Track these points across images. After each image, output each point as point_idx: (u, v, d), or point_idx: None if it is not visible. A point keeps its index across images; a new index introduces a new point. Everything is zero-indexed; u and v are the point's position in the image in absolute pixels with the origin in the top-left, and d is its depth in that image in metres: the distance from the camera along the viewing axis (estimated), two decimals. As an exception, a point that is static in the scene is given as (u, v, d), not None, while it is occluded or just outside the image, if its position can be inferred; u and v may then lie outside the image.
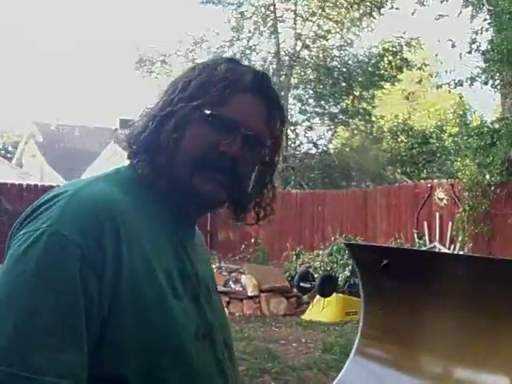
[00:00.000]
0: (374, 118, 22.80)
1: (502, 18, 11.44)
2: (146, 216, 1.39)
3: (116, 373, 1.26)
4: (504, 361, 2.74)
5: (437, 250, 13.71)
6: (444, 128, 21.64)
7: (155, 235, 1.38)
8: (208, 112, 1.41)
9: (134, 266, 1.28)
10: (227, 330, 1.62)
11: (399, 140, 22.04)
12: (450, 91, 15.48)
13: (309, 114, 22.99)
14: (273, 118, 1.49)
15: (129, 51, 25.65)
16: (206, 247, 1.78)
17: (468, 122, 16.68)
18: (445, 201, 13.91)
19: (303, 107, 22.96)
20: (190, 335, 1.37)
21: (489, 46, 12.38)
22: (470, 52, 13.25)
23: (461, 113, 27.79)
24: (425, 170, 20.67)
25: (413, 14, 15.27)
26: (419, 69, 19.78)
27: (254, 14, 21.75)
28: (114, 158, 36.24)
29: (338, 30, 22.20)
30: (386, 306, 3.04)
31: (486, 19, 14.05)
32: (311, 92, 23.04)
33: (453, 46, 13.95)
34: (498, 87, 13.46)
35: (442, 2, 14.42)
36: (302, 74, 22.64)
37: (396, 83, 23.39)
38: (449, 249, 13.47)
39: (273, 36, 21.84)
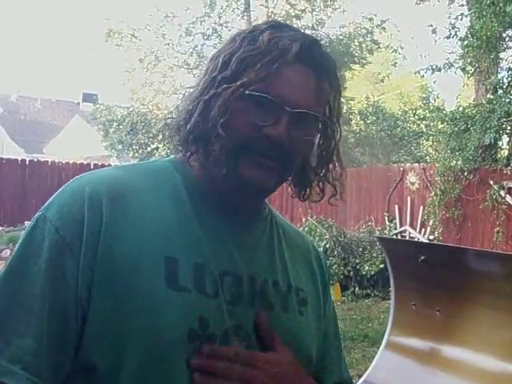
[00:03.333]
0: (343, 100, 22.81)
1: (481, 3, 11.47)
2: (166, 202, 1.34)
3: (89, 361, 1.22)
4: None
5: (407, 234, 13.88)
6: (412, 111, 21.72)
7: (169, 221, 1.31)
8: (247, 92, 1.28)
9: (115, 247, 1.24)
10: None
11: (368, 122, 22.11)
12: (422, 76, 15.53)
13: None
14: (325, 89, 1.35)
15: (97, 24, 25.15)
16: (317, 255, 1.60)
17: (437, 106, 16.71)
18: (416, 185, 14.03)
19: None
20: (179, 333, 1.23)
21: (468, 32, 12.42)
22: (448, 37, 13.30)
23: (424, 96, 28.04)
24: (394, 153, 20.78)
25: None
26: (395, 51, 19.78)
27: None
28: (78, 132, 35.92)
29: (309, 9, 22.12)
30: (418, 301, 3.03)
31: (463, 5, 14.12)
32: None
33: (433, 31, 13.99)
34: (474, 74, 13.54)
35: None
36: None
37: (366, 65, 23.46)
38: (419, 233, 13.61)
39: (245, 13, 21.68)
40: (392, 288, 3.17)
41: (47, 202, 1.30)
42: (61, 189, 1.32)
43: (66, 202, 1.27)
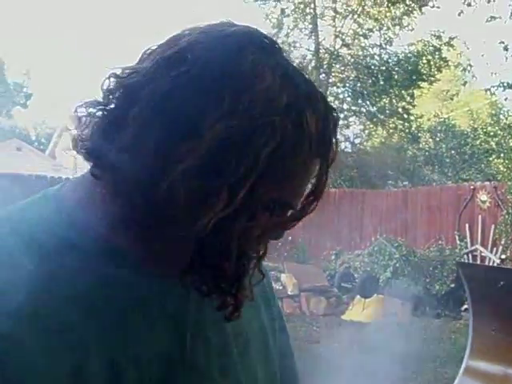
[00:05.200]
0: (412, 117, 22.67)
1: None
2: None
3: None
4: None
5: (478, 253, 13.69)
6: (482, 129, 21.46)
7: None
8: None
9: None
10: None
11: (437, 139, 21.91)
12: (493, 93, 15.36)
13: (346, 113, 22.89)
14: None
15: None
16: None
17: (508, 123, 16.50)
18: (487, 203, 13.85)
19: (340, 105, 22.90)
20: None
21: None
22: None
23: (494, 113, 27.61)
24: (464, 171, 20.53)
25: (459, 14, 15.14)
26: (464, 69, 19.60)
27: (294, 10, 21.68)
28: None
29: (377, 28, 22.07)
30: (499, 326, 3.04)
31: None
32: (350, 90, 22.94)
33: (505, 48, 13.86)
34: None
35: (488, 2, 14.31)
36: (341, 72, 22.55)
37: (434, 83, 23.25)
38: (491, 252, 13.42)
39: (313, 34, 21.77)
40: (470, 313, 3.19)
41: None
42: None
43: None
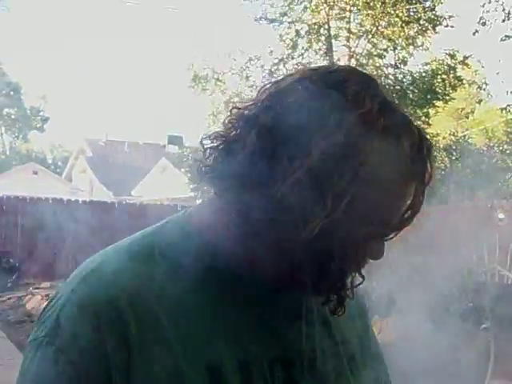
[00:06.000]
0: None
1: None
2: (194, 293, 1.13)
3: None
4: None
5: (496, 272, 13.60)
6: (497, 147, 21.43)
7: (204, 316, 1.13)
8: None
9: (150, 372, 1.06)
10: None
11: (453, 158, 21.88)
12: (509, 111, 15.35)
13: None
14: None
15: (181, 69, 25.70)
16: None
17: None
18: (505, 221, 13.78)
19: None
20: None
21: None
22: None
23: (509, 131, 27.55)
24: (480, 190, 20.47)
25: (474, 34, 15.16)
26: (479, 88, 19.60)
27: (308, 32, 21.77)
28: (165, 173, 36.63)
29: (392, 48, 22.12)
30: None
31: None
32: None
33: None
34: None
35: (503, 21, 14.33)
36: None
37: (449, 102, 23.24)
38: (509, 271, 13.33)
39: (327, 54, 21.85)
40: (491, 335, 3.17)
41: (50, 322, 1.09)
42: (56, 307, 1.10)
43: (81, 328, 1.06)
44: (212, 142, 1.14)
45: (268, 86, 1.15)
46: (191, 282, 1.12)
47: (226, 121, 1.13)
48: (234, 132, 1.12)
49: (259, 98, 1.13)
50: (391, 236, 1.16)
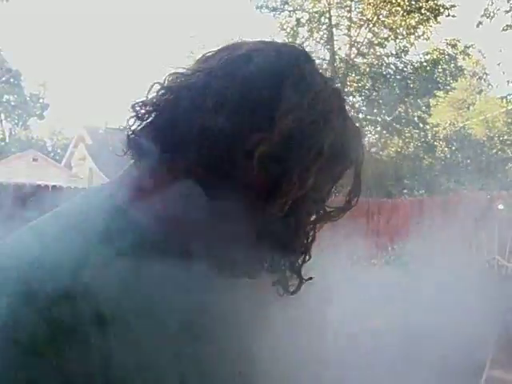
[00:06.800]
0: (428, 126, 22.65)
1: None
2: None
3: None
4: None
5: (495, 263, 13.61)
6: (497, 137, 21.41)
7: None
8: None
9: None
10: None
11: (453, 148, 21.87)
12: (508, 101, 15.33)
13: (361, 122, 22.89)
14: None
15: (177, 56, 25.68)
16: None
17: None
18: (505, 212, 13.78)
19: (356, 115, 22.89)
20: None
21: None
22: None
23: (510, 121, 27.55)
24: (480, 180, 20.47)
25: (478, 26, 15.11)
26: (480, 78, 19.58)
27: (309, 20, 21.74)
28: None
29: (393, 37, 22.08)
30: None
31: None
32: (365, 100, 22.93)
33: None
34: None
35: (507, 12, 14.29)
36: (357, 81, 22.56)
37: (450, 92, 23.23)
38: (508, 261, 13.34)
39: (328, 43, 21.82)
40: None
41: None
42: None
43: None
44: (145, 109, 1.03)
45: (213, 53, 1.07)
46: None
47: (160, 86, 1.03)
48: (175, 100, 1.01)
49: (204, 65, 1.04)
50: (341, 216, 1.12)
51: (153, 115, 1.03)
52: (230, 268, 1.03)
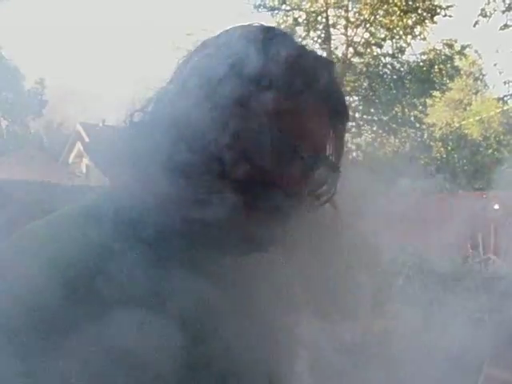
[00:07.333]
0: (424, 126, 22.68)
1: None
2: None
3: None
4: None
5: (491, 262, 13.63)
6: (494, 138, 21.44)
7: None
8: None
9: None
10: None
11: (449, 148, 21.90)
12: (505, 101, 15.37)
13: (358, 122, 22.91)
14: None
15: (178, 56, 25.67)
16: None
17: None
18: (500, 212, 13.79)
19: (352, 114, 22.86)
20: None
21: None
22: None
23: (506, 122, 27.57)
24: (476, 180, 20.52)
25: (474, 25, 15.15)
26: (476, 79, 19.63)
27: (306, 19, 21.75)
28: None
29: (389, 37, 22.10)
30: None
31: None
32: (362, 99, 22.94)
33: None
34: None
35: (503, 12, 14.33)
36: (353, 81, 22.57)
37: (446, 92, 23.25)
38: (504, 261, 13.35)
39: (325, 42, 21.82)
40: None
41: None
42: None
43: None
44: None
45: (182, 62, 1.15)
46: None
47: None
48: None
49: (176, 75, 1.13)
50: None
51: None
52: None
